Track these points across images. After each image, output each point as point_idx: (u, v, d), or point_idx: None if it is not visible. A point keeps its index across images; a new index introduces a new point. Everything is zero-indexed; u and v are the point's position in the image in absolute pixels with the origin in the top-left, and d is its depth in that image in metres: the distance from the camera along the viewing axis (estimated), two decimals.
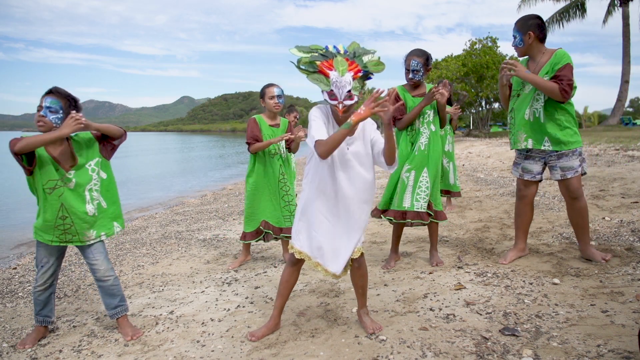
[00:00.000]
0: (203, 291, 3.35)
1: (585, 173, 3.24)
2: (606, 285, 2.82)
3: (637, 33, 25.86)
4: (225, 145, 51.48)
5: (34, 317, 2.65)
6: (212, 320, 2.77)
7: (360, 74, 2.16)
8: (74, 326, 2.86)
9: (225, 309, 2.94)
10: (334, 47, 2.17)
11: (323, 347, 2.30)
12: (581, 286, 2.83)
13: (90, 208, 2.51)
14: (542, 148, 3.19)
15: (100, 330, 2.75)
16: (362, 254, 2.42)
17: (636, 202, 4.82)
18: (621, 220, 4.26)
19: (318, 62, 2.13)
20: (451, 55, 27.99)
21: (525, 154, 3.35)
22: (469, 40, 28.11)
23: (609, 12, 24.85)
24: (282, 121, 3.85)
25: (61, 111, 2.41)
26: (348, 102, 2.16)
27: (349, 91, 2.14)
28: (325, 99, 2.20)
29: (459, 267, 3.42)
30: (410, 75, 3.36)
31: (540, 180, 3.36)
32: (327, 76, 2.13)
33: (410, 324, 2.48)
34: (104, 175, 2.59)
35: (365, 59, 2.18)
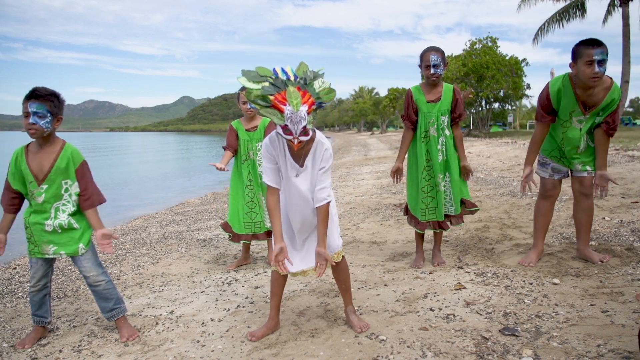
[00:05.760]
0: (203, 291, 3.35)
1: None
2: (606, 285, 2.82)
3: (637, 33, 25.86)
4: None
5: (31, 316, 2.66)
6: (212, 320, 2.78)
7: (314, 107, 2.08)
8: (74, 326, 2.86)
9: (225, 309, 2.94)
10: (282, 70, 2.07)
11: (323, 347, 2.30)
12: (581, 286, 2.83)
13: (49, 223, 2.49)
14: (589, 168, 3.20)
15: (100, 330, 2.75)
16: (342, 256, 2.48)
17: (636, 202, 4.82)
18: (621, 220, 4.26)
19: (271, 97, 2.03)
20: (451, 55, 28.00)
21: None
22: (469, 40, 28.19)
23: (609, 12, 24.81)
24: (261, 122, 3.82)
25: (49, 114, 2.40)
26: (303, 138, 2.09)
27: (304, 126, 2.06)
28: (278, 133, 2.13)
29: (459, 267, 3.42)
30: (432, 71, 3.23)
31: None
32: (281, 111, 2.04)
33: (410, 324, 2.48)
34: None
35: (316, 85, 2.09)
